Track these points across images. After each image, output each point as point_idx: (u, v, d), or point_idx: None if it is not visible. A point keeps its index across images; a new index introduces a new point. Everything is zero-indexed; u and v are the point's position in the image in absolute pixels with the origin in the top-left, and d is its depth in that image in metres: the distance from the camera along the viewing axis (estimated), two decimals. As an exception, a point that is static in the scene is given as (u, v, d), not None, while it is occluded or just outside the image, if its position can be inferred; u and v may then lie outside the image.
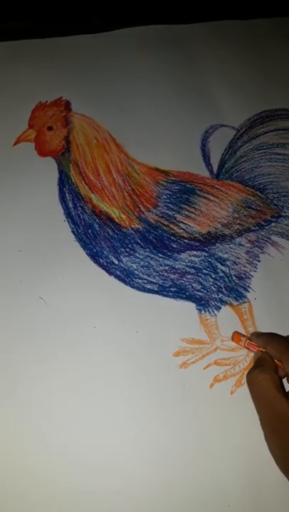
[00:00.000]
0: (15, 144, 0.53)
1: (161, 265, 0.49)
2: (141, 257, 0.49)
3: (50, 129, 0.54)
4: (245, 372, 0.44)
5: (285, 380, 0.42)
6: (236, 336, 0.44)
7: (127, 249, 0.49)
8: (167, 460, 0.41)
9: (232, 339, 0.45)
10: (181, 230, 0.50)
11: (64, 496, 0.39)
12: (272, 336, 0.43)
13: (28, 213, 0.50)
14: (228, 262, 0.50)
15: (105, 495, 0.39)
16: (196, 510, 0.39)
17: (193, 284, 0.48)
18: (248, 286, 0.49)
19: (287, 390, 0.39)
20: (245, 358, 0.45)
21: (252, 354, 0.45)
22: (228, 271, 0.49)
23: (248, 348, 0.43)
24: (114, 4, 0.65)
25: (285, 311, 0.47)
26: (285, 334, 0.43)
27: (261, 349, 0.42)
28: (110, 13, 0.65)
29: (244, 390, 0.43)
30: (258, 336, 0.44)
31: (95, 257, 0.49)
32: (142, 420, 0.42)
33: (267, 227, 0.52)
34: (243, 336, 0.45)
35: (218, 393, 0.43)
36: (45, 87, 0.57)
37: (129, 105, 0.58)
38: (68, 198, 0.51)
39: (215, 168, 0.55)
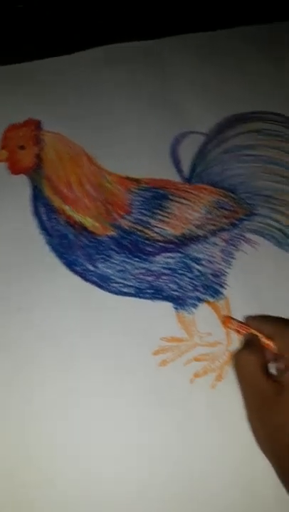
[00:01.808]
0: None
1: (137, 269, 0.50)
2: (117, 262, 0.50)
3: (22, 148, 0.55)
4: (225, 367, 0.44)
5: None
6: (227, 320, 0.44)
7: (103, 256, 0.50)
8: (151, 457, 0.40)
9: (223, 323, 0.45)
10: (156, 234, 0.51)
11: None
12: (267, 316, 0.44)
13: (4, 229, 0.51)
14: (203, 261, 0.50)
15: (87, 491, 0.38)
16: (182, 503, 0.38)
17: (170, 285, 0.49)
18: (224, 283, 0.49)
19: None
20: (224, 352, 0.45)
21: (231, 348, 0.45)
22: (203, 269, 0.50)
23: (237, 331, 0.43)
24: (86, 27, 0.68)
25: (261, 305, 0.47)
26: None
27: (252, 331, 0.42)
28: (84, 35, 0.67)
29: (224, 384, 0.43)
30: (253, 317, 0.45)
31: (70, 265, 0.49)
32: (125, 419, 0.42)
33: (240, 226, 0.53)
34: (234, 319, 0.45)
35: (199, 388, 0.43)
36: (16, 109, 0.59)
37: (99, 119, 0.60)
38: (42, 211, 0.52)
39: (186, 173, 0.56)
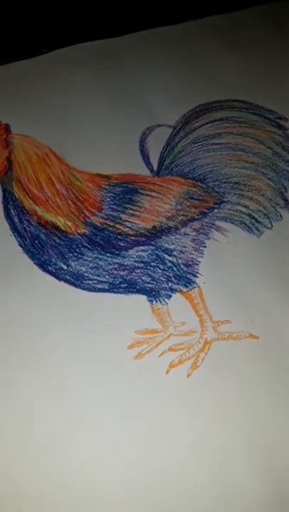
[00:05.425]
0: None
1: (110, 264, 0.50)
2: (89, 259, 0.50)
3: (-8, 151, 0.55)
4: (200, 354, 0.45)
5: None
6: None
7: (75, 254, 0.50)
8: (131, 449, 0.41)
9: None
10: (127, 229, 0.52)
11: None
12: None
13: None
14: (174, 252, 0.51)
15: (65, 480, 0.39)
16: (162, 494, 0.39)
17: (143, 278, 0.49)
18: (197, 272, 0.50)
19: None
20: (198, 340, 0.46)
21: (205, 335, 0.45)
22: (175, 260, 0.50)
23: None
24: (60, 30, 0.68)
25: (233, 291, 0.48)
26: (234, 313, 0.45)
27: None
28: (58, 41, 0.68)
29: (200, 371, 0.44)
30: None
31: (43, 265, 0.50)
32: (103, 414, 0.42)
33: (210, 214, 0.53)
34: None
35: (175, 378, 0.44)
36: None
37: (66, 120, 0.60)
38: (13, 213, 0.53)
39: (155, 166, 0.57)
